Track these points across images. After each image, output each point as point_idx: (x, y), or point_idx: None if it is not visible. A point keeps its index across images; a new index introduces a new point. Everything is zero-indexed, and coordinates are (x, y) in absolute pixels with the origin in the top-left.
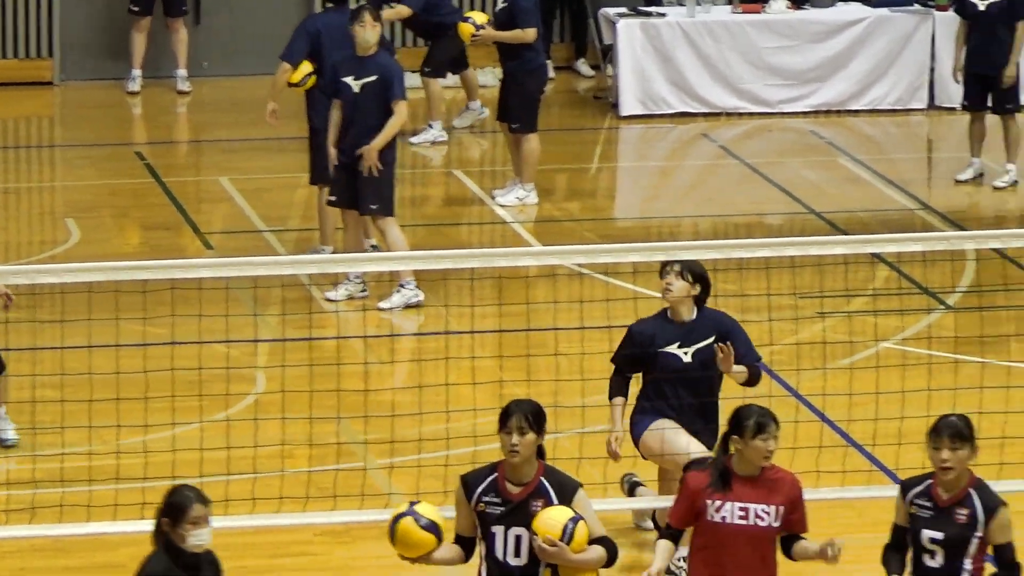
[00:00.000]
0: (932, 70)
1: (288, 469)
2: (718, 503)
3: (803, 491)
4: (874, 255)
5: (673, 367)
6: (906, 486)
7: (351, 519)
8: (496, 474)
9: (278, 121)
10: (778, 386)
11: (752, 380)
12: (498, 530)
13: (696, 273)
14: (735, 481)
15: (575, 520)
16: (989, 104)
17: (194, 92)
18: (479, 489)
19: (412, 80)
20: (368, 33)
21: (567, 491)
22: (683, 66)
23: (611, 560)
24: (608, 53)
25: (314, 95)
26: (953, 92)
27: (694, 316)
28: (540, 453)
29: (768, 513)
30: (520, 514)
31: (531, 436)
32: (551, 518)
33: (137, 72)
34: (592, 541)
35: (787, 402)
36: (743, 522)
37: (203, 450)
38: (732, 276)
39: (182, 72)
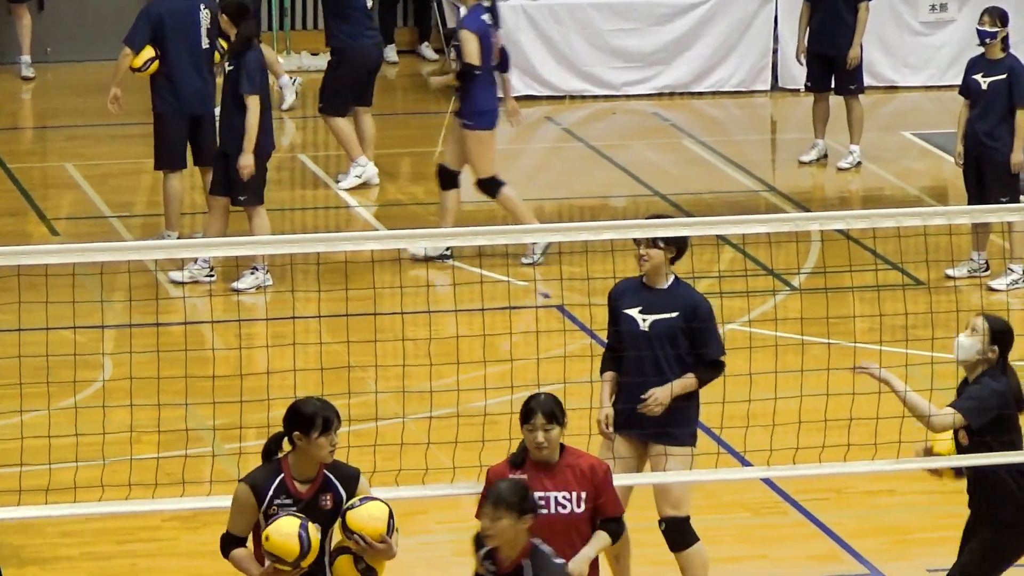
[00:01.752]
0: (775, 52)
1: (136, 455)
2: None
3: (609, 473)
4: (719, 237)
5: (631, 332)
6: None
7: (199, 505)
8: (282, 474)
9: (121, 107)
10: None
11: (709, 378)
12: None
13: (672, 239)
14: (535, 471)
15: (391, 512)
16: (832, 85)
17: (38, 78)
18: (270, 492)
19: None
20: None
21: (351, 482)
22: (527, 49)
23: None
24: (452, 37)
25: (157, 80)
26: (797, 73)
27: (666, 286)
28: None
29: (569, 500)
30: (311, 510)
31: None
32: (371, 516)
33: None
34: None
35: None
36: (543, 511)
37: (51, 437)
38: (577, 259)
39: (26, 58)
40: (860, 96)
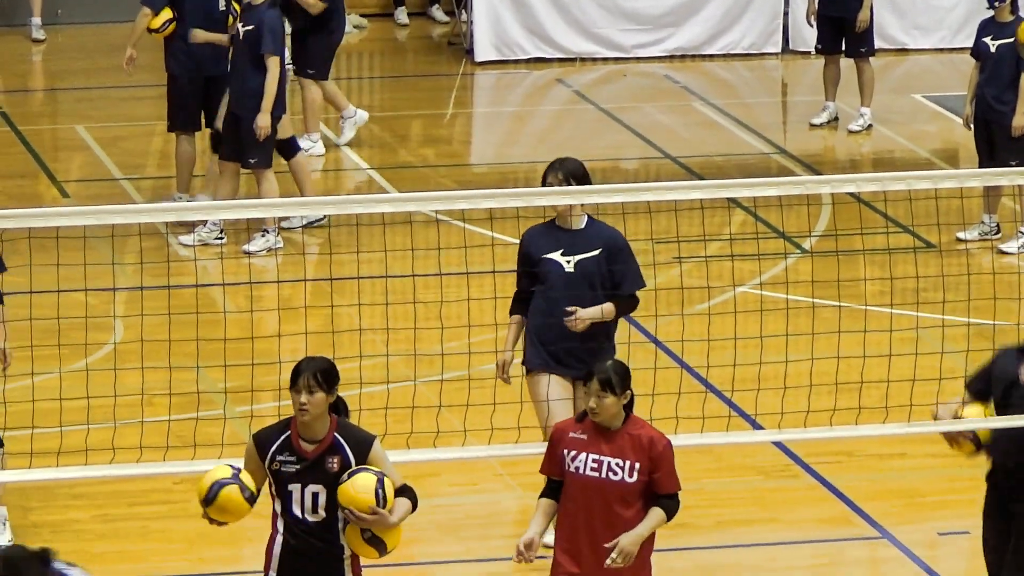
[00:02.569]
0: (786, 14)
1: (148, 418)
2: (574, 452)
3: (668, 450)
4: (730, 200)
5: (555, 275)
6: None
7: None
8: (289, 432)
9: (134, 69)
10: (636, 331)
11: (626, 310)
12: (295, 488)
13: (578, 177)
14: (595, 433)
15: (381, 480)
16: (843, 48)
17: (49, 40)
18: (272, 448)
19: None
20: None
21: (363, 446)
22: (537, 11)
23: (415, 506)
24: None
25: (173, 42)
26: (807, 36)
27: (583, 226)
28: (337, 409)
29: (621, 468)
30: (316, 471)
31: (320, 395)
32: (362, 487)
33: None
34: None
35: (645, 348)
36: (595, 474)
37: (62, 399)
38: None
39: (36, 20)
40: (871, 59)
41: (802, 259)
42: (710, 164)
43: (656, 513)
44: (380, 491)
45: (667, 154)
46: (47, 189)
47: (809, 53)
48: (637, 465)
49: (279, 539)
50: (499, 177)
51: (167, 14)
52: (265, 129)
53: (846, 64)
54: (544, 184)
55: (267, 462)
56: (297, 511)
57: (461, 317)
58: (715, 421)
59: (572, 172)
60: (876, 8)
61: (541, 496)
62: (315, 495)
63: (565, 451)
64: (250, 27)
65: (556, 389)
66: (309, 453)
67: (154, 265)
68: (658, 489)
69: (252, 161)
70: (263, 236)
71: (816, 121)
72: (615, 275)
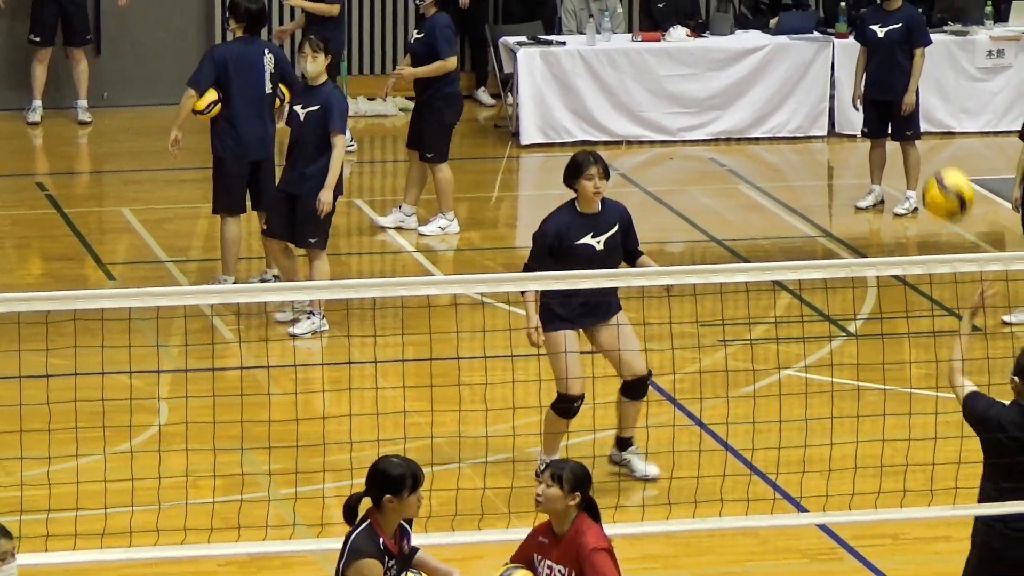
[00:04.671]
0: (832, 97)
1: (192, 500)
2: (538, 557)
3: (595, 556)
4: (775, 283)
5: (588, 256)
6: None
7: (255, 550)
8: (380, 536)
9: (180, 151)
10: (681, 414)
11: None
12: None
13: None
14: (551, 538)
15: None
16: (889, 131)
17: (95, 122)
18: (384, 558)
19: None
20: (309, 64)
21: (410, 521)
22: (583, 94)
23: None
24: (508, 82)
25: (219, 124)
26: (853, 119)
27: (599, 208)
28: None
29: (562, 574)
30: (401, 561)
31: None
32: None
33: (38, 102)
34: None
35: (690, 430)
36: None
37: (107, 481)
38: (634, 304)
39: (83, 102)
40: (917, 142)
41: (847, 342)
42: (756, 247)
43: None
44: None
45: (713, 237)
46: (93, 271)
47: (855, 136)
48: (573, 573)
49: None
50: None
51: (212, 95)
52: (327, 205)
53: (892, 147)
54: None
55: (385, 568)
56: None
57: (506, 400)
58: (760, 504)
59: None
60: (922, 92)
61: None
62: None
63: (534, 554)
64: (314, 108)
65: (573, 343)
66: (395, 549)
67: (199, 348)
68: None
69: (312, 241)
70: (308, 319)
71: (862, 204)
72: (625, 244)
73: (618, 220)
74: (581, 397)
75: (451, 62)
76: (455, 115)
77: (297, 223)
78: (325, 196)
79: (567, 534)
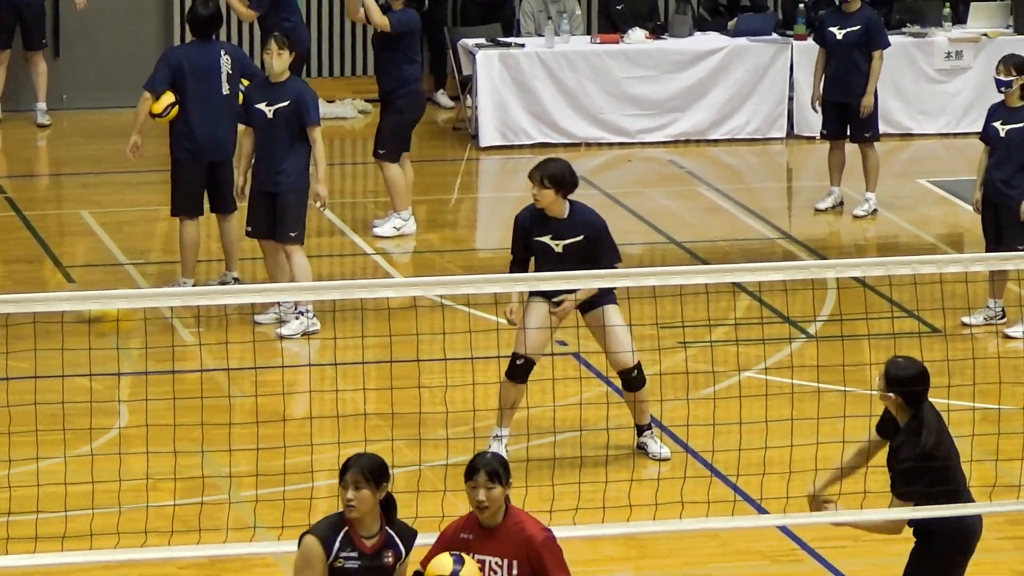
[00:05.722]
0: (791, 99)
1: (152, 503)
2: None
3: (549, 543)
4: (735, 284)
5: (547, 254)
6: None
7: (216, 552)
8: (347, 528)
9: (139, 154)
10: None
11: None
12: None
13: (554, 178)
14: (479, 532)
15: (459, 560)
16: (848, 133)
17: (54, 125)
18: (335, 545)
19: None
20: (275, 61)
21: (409, 539)
22: (542, 97)
23: None
24: (467, 84)
25: (176, 126)
26: (812, 121)
27: (566, 215)
28: (388, 505)
29: (500, 567)
30: (375, 566)
31: (366, 492)
32: (438, 563)
33: None
34: None
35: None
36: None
37: (67, 484)
38: None
39: (42, 105)
40: (876, 143)
41: (807, 344)
42: (715, 249)
43: None
44: (458, 568)
45: (672, 239)
46: (52, 274)
47: (814, 138)
48: (515, 563)
49: None
50: (504, 262)
51: (169, 98)
52: (325, 199)
53: (851, 149)
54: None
55: (331, 559)
56: None
57: (466, 402)
58: (720, 506)
59: (552, 175)
60: (881, 94)
61: None
62: None
63: (457, 552)
64: (283, 104)
65: (537, 314)
66: (368, 548)
67: (158, 350)
68: None
69: (292, 235)
70: (298, 319)
71: (821, 206)
72: (596, 254)
73: (586, 231)
74: (527, 360)
75: (382, 22)
76: (415, 114)
77: (277, 219)
78: (323, 191)
79: (503, 525)
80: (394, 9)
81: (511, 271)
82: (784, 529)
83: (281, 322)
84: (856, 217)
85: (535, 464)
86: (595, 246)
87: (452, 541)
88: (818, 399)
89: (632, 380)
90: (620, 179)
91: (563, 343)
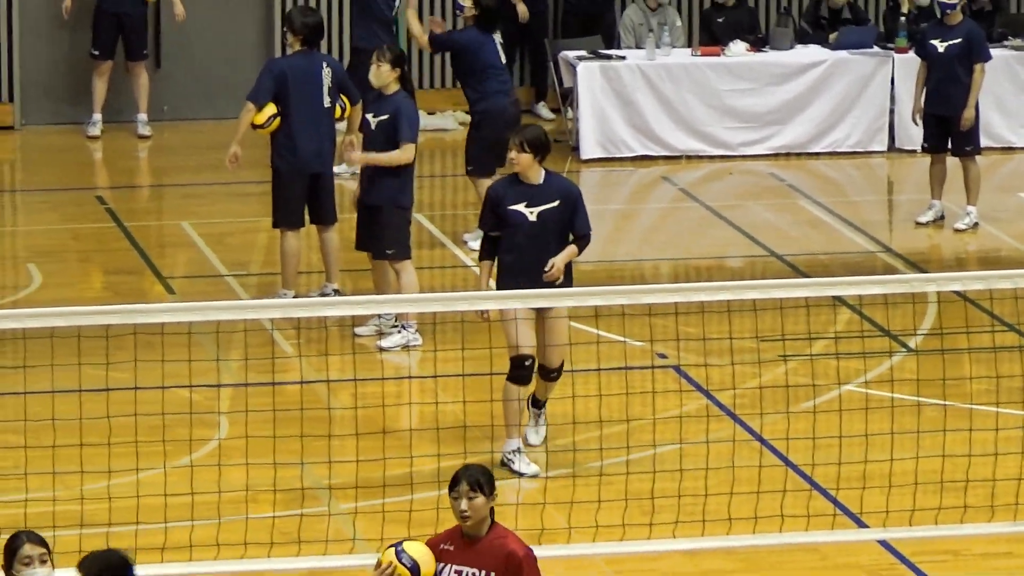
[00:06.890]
0: (892, 112)
1: (252, 514)
2: (442, 565)
3: (530, 560)
4: (836, 298)
5: (521, 223)
6: None
7: (316, 564)
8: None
9: (239, 165)
10: (741, 430)
11: (583, 247)
12: None
13: (532, 143)
14: (461, 543)
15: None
16: (949, 146)
17: (155, 136)
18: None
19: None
20: (373, 73)
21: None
22: (643, 109)
23: None
24: (568, 96)
25: (277, 137)
26: (913, 134)
27: (541, 180)
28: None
29: None
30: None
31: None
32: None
33: (98, 116)
34: None
35: (751, 446)
36: None
37: (167, 495)
38: (694, 320)
39: (143, 116)
40: (977, 157)
41: (907, 358)
42: (815, 262)
43: None
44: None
45: (773, 252)
46: (152, 286)
47: (915, 151)
48: (492, 575)
49: None
50: (604, 274)
51: (271, 109)
52: (352, 156)
53: (952, 163)
54: (508, 150)
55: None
56: None
57: (566, 415)
58: (820, 519)
59: (530, 139)
60: (982, 107)
61: None
62: None
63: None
64: (384, 117)
65: (523, 311)
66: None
67: (259, 361)
68: None
69: (389, 252)
70: (399, 333)
71: (922, 219)
72: (571, 219)
73: (560, 196)
74: (532, 359)
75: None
76: (494, 131)
77: (376, 235)
78: (357, 156)
79: (486, 538)
80: (463, 27)
81: (482, 255)
82: (884, 543)
83: (381, 335)
84: (957, 231)
85: (635, 477)
86: (569, 213)
87: (433, 551)
88: (918, 413)
89: (552, 377)
90: (721, 192)
91: (663, 355)
